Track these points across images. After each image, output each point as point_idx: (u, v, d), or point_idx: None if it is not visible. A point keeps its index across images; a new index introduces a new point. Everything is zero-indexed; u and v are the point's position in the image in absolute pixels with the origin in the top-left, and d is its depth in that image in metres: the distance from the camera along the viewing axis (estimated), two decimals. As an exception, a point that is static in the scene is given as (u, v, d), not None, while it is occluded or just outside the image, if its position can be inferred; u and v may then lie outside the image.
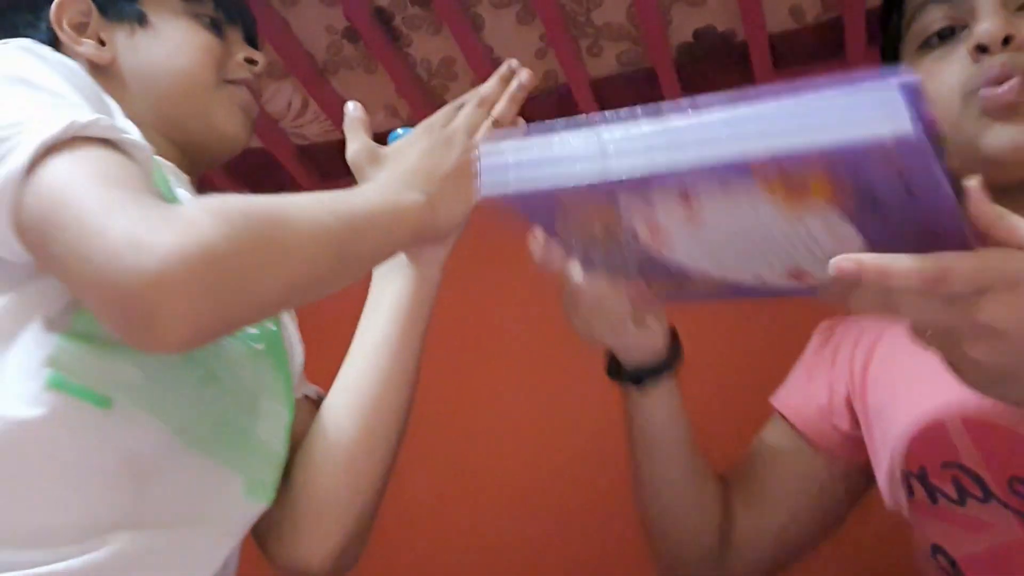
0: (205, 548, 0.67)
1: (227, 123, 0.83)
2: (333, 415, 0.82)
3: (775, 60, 1.19)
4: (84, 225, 0.52)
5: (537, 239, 0.66)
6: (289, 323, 0.86)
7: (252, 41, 0.90)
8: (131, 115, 0.76)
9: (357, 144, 0.84)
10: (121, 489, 0.61)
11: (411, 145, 0.82)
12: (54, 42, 0.79)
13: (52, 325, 0.60)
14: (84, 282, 0.54)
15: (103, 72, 0.79)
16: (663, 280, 0.61)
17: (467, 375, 1.38)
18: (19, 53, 0.64)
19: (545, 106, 1.30)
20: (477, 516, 1.33)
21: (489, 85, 0.85)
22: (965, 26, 0.69)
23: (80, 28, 0.80)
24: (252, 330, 0.74)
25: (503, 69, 0.86)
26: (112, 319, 0.54)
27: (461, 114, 0.83)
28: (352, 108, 0.86)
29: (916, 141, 0.38)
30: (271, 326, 0.77)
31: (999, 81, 0.65)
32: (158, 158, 0.73)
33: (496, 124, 0.82)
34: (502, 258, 1.43)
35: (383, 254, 0.74)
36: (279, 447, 0.76)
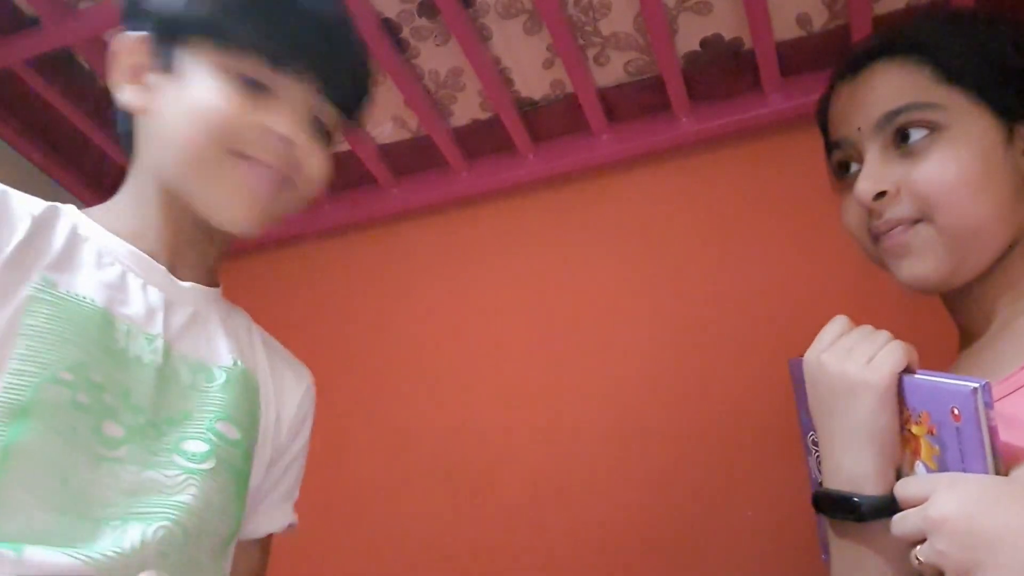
0: None
1: (227, 204, 0.72)
2: None
3: (782, 68, 1.18)
4: None
5: None
6: (284, 436, 0.83)
7: (349, 109, 0.79)
8: (156, 170, 0.75)
9: None
10: None
11: None
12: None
13: None
14: None
15: (144, 119, 0.75)
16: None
17: (474, 383, 1.38)
18: None
19: (552, 115, 1.31)
20: (487, 523, 1.34)
21: None
22: (860, 162, 0.80)
23: (136, 71, 0.75)
24: (196, 448, 0.71)
25: None
26: None
27: None
28: None
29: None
30: (234, 435, 0.74)
31: (885, 231, 0.77)
32: (122, 252, 0.72)
33: None
34: (506, 264, 1.43)
35: None
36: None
